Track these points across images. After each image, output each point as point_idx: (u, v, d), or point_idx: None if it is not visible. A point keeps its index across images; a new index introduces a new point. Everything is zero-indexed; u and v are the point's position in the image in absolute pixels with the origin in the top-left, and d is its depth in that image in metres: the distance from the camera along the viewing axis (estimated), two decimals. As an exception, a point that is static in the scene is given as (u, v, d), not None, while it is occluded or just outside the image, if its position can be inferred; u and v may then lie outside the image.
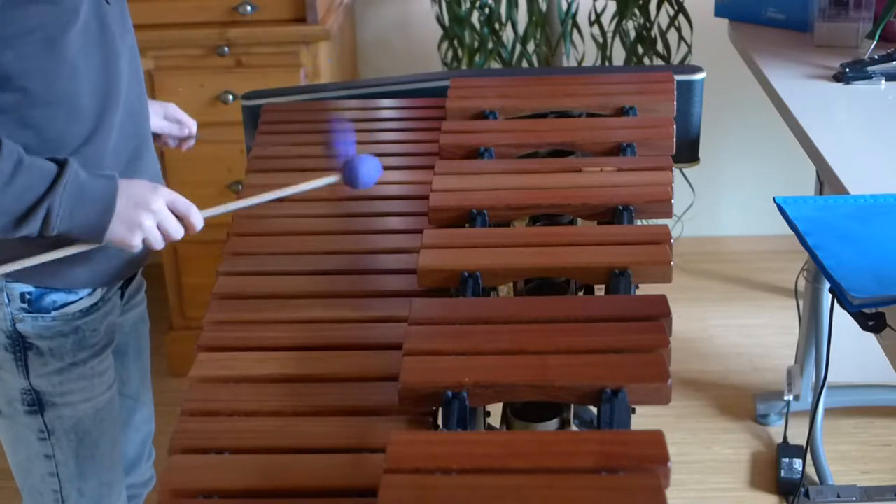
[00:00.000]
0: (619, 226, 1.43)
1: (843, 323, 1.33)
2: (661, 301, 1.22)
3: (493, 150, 1.62)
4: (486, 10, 2.85)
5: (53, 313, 1.48)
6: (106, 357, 1.56)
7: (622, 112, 1.72)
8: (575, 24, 2.87)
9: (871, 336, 1.27)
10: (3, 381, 1.51)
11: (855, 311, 1.22)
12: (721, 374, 2.81)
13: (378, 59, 3.22)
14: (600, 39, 2.89)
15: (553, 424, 1.17)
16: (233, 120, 2.36)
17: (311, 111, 1.91)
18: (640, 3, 2.80)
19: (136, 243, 1.37)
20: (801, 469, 2.36)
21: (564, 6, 2.81)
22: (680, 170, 2.70)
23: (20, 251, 1.39)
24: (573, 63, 2.93)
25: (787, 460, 2.41)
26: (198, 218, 1.41)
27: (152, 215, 1.37)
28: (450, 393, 1.10)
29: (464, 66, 2.90)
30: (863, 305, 1.20)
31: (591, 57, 2.99)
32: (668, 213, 1.45)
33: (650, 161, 1.57)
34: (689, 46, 2.87)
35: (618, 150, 1.61)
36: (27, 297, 1.46)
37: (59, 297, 1.48)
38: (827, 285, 1.52)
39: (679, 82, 1.81)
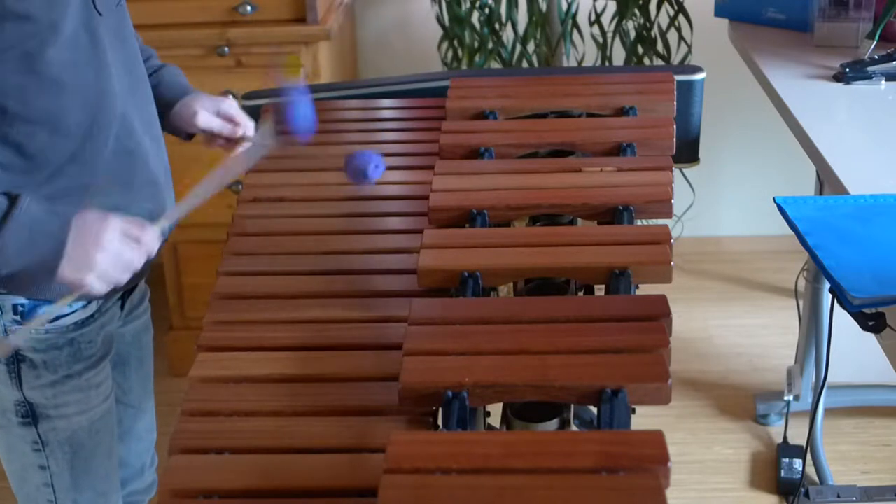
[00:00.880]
0: (619, 226, 1.43)
1: (843, 323, 1.33)
2: (661, 301, 1.22)
3: (493, 150, 1.62)
4: (486, 10, 2.85)
5: (47, 325, 1.44)
6: (102, 368, 1.53)
7: (622, 112, 1.72)
8: (575, 24, 2.87)
9: (871, 336, 1.27)
10: None
11: (855, 311, 1.22)
12: (721, 374, 2.80)
13: (378, 59, 3.22)
14: (600, 39, 2.89)
15: (553, 424, 1.17)
16: (233, 120, 2.36)
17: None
18: (640, 3, 2.80)
19: (89, 283, 1.28)
20: (801, 469, 2.36)
21: (564, 6, 2.81)
22: (680, 170, 2.70)
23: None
24: (573, 63, 2.93)
25: (787, 460, 2.41)
26: (152, 238, 1.32)
27: (104, 250, 1.27)
28: (450, 393, 1.10)
29: (464, 66, 2.90)
30: (863, 305, 1.20)
31: (591, 57, 2.99)
32: (668, 213, 1.45)
33: (650, 161, 1.57)
34: (689, 46, 2.87)
35: (618, 150, 1.61)
36: (19, 309, 1.42)
37: (52, 310, 1.43)
38: (827, 285, 1.52)
39: (679, 82, 1.81)
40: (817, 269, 2.28)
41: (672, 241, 1.35)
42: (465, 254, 1.36)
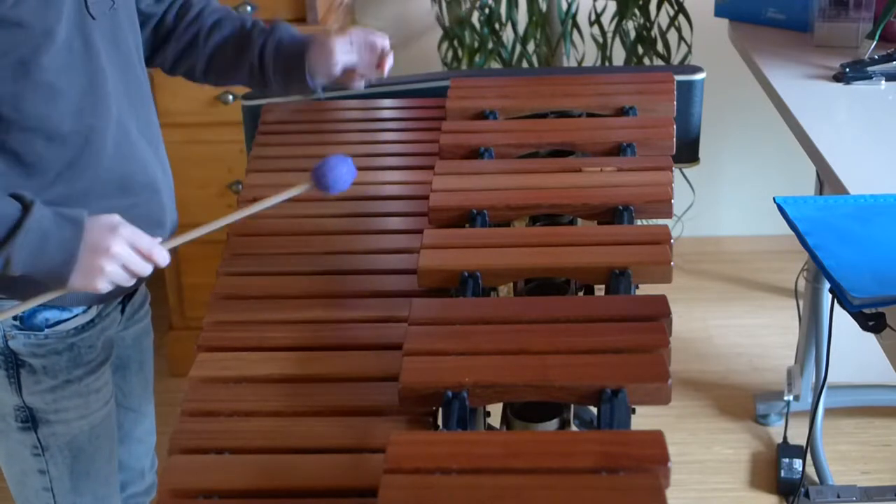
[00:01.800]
0: (619, 226, 1.42)
1: (843, 323, 1.33)
2: (661, 301, 1.22)
3: (493, 150, 1.62)
4: (486, 11, 2.85)
5: (46, 331, 1.43)
6: (103, 373, 1.52)
7: (622, 112, 1.72)
8: (575, 24, 2.87)
9: (871, 336, 1.28)
10: None
11: (855, 311, 1.22)
12: (721, 374, 2.81)
13: (378, 59, 3.22)
14: (600, 39, 2.89)
15: (553, 424, 1.17)
16: (233, 120, 2.36)
17: (311, 111, 1.91)
18: (640, 3, 2.80)
19: (101, 287, 1.30)
20: (801, 469, 2.36)
21: (564, 6, 2.81)
22: (680, 170, 2.70)
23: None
24: (573, 63, 2.93)
25: (787, 460, 2.41)
26: (162, 254, 1.33)
27: (112, 260, 1.28)
28: (450, 393, 1.10)
29: (464, 66, 2.90)
30: (863, 305, 1.20)
31: (591, 57, 2.99)
32: (668, 213, 1.45)
33: (650, 161, 1.56)
34: (689, 46, 2.87)
35: (618, 150, 1.61)
36: (19, 314, 1.41)
37: (51, 315, 1.43)
38: (827, 285, 1.52)
39: (679, 82, 1.81)
40: (817, 269, 2.28)
41: (672, 241, 1.35)
42: (465, 254, 1.36)
